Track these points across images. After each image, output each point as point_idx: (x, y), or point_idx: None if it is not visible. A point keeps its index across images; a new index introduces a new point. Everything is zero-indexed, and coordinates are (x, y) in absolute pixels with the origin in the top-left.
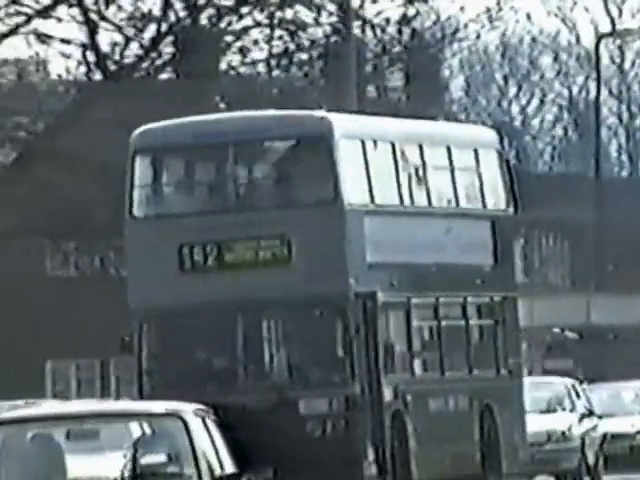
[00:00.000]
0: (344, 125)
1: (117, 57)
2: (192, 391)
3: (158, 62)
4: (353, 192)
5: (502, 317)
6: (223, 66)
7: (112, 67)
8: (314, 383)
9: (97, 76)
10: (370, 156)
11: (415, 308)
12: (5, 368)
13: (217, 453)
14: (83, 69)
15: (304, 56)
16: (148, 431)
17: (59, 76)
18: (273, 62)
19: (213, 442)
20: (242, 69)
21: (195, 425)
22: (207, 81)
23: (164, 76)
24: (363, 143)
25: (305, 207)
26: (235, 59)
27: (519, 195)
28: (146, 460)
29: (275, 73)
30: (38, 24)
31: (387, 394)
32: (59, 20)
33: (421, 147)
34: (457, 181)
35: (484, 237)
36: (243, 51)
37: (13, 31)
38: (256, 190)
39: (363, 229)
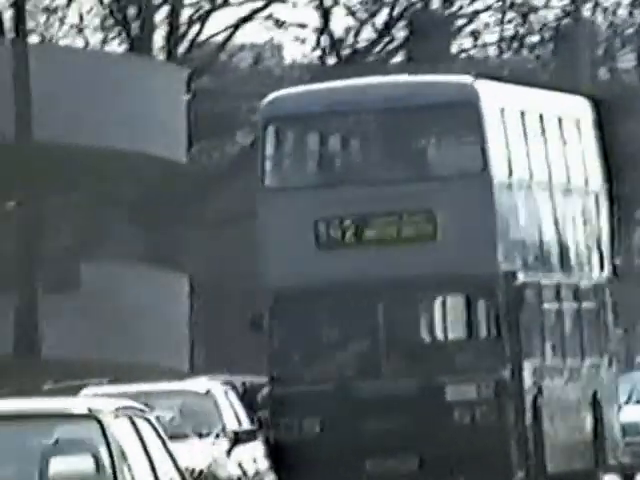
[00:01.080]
0: (491, 92)
1: (350, 41)
2: (329, 376)
3: (390, 46)
4: (501, 163)
5: (604, 301)
6: (454, 49)
7: (345, 51)
8: (462, 368)
9: (331, 60)
10: (517, 126)
11: (545, 290)
12: None
13: (149, 458)
14: (317, 53)
15: (535, 38)
16: (60, 435)
17: (293, 61)
18: (504, 45)
19: (144, 445)
20: (473, 52)
21: (116, 427)
22: (438, 64)
23: (396, 60)
24: (511, 112)
25: (451, 179)
26: (466, 42)
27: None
28: (56, 470)
29: (506, 56)
30: (274, 9)
31: (527, 380)
32: (294, 5)
33: (560, 120)
34: (585, 156)
35: (593, 216)
36: (474, 34)
37: (250, 17)
38: (397, 161)
39: (508, 202)
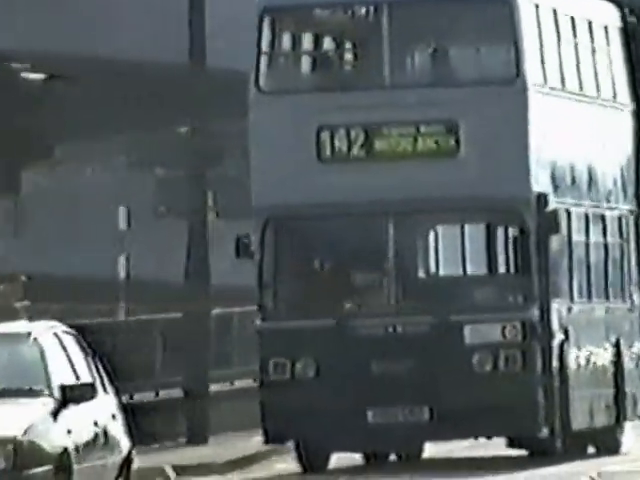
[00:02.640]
0: None
1: None
2: (328, 310)
3: None
4: (535, 69)
5: (628, 235)
6: None
7: None
8: (483, 305)
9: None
10: (550, 27)
11: (574, 218)
12: None
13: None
14: None
15: None
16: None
17: None
18: None
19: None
20: None
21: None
22: None
23: None
24: (544, 10)
25: (478, 86)
26: None
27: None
28: None
29: None
30: None
31: (555, 323)
32: None
33: (590, 25)
34: (613, 68)
35: (615, 134)
36: None
37: None
38: (416, 62)
39: (543, 116)
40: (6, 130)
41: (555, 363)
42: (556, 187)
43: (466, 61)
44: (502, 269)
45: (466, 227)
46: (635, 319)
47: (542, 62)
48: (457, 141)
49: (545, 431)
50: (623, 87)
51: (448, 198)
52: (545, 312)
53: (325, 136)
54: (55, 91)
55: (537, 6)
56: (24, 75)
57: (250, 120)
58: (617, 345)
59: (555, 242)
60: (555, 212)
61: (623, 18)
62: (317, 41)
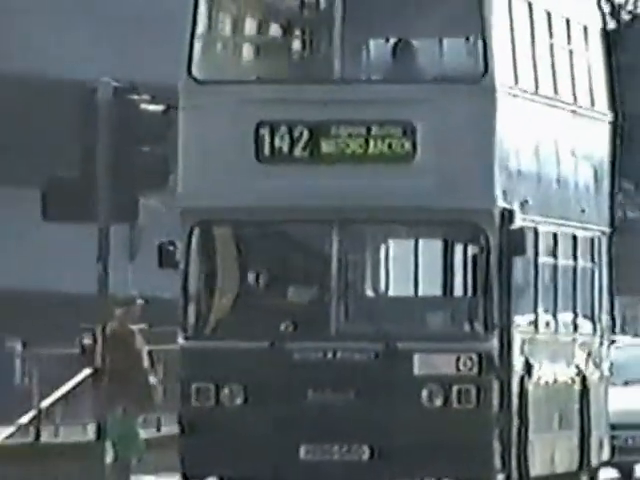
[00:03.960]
0: None
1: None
2: (260, 329)
3: None
4: (505, 68)
5: (599, 258)
6: None
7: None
8: (436, 332)
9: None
10: (524, 22)
11: (543, 239)
12: None
13: None
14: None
15: None
16: None
17: None
18: None
19: None
20: None
21: None
22: None
23: None
24: (523, 4)
25: (439, 83)
26: None
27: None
28: None
29: None
30: None
31: (516, 355)
32: None
33: (568, 23)
34: (592, 73)
35: (591, 147)
36: None
37: None
38: (371, 55)
39: (510, 121)
40: (128, 160)
41: (514, 400)
42: (524, 202)
43: (427, 55)
44: (459, 292)
45: (420, 242)
46: (605, 350)
47: (514, 60)
48: (414, 145)
49: (500, 478)
50: (602, 95)
51: (401, 208)
52: (505, 343)
53: (265, 133)
54: (173, 121)
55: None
56: (144, 107)
57: (180, 111)
58: (583, 381)
59: (520, 264)
60: (522, 230)
61: (604, 19)
62: (261, 26)
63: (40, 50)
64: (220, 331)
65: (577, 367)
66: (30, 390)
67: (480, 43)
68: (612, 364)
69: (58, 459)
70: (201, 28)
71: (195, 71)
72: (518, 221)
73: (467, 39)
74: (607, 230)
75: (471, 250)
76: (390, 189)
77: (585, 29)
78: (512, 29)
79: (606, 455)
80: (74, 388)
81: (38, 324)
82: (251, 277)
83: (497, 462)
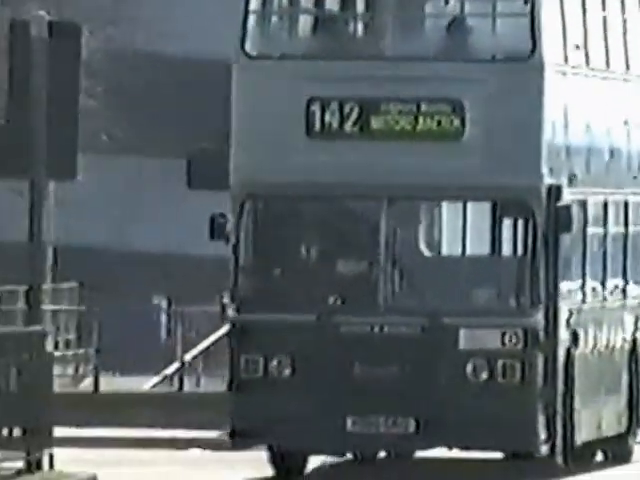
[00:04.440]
0: None
1: None
2: (309, 303)
3: None
4: (555, 45)
5: None
6: None
7: None
8: (482, 308)
9: None
10: (567, 3)
11: (591, 209)
12: None
13: None
14: None
15: None
16: None
17: None
18: None
19: None
20: None
21: None
22: None
23: None
24: None
25: (488, 62)
26: None
27: None
28: None
29: None
30: None
31: (562, 328)
32: None
33: None
34: (628, 34)
35: None
36: None
37: None
38: (421, 32)
39: (558, 98)
40: None
41: (560, 373)
42: (572, 176)
43: (477, 33)
44: (506, 267)
45: (469, 219)
46: None
47: (564, 37)
48: (462, 122)
49: (544, 449)
50: None
51: (449, 185)
52: (551, 318)
53: (316, 109)
54: None
55: None
56: None
57: (233, 86)
58: (633, 344)
59: (567, 237)
60: (569, 207)
61: None
62: (314, 2)
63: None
64: (269, 304)
65: (626, 331)
66: (174, 344)
67: (529, 21)
68: None
69: (199, 407)
70: (255, 3)
71: (248, 47)
72: (566, 197)
73: (516, 17)
74: None
75: (518, 226)
76: (438, 167)
77: None
78: (562, 6)
79: None
80: (214, 343)
81: (182, 284)
82: (300, 251)
83: (541, 434)
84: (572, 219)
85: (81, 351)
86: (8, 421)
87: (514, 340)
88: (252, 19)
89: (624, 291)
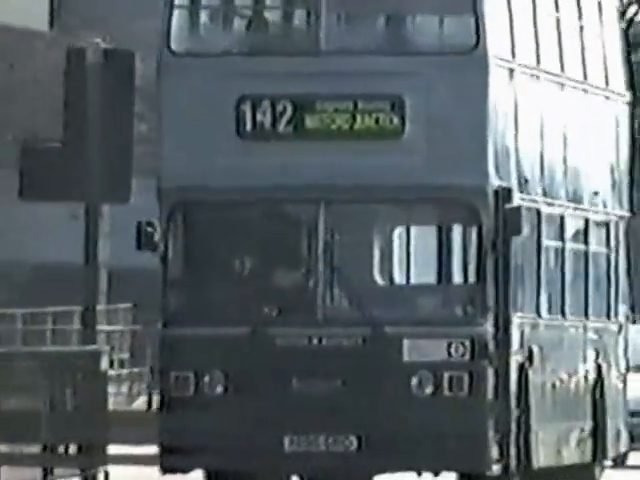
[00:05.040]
0: None
1: None
2: (243, 315)
3: None
4: (501, 40)
5: (616, 244)
6: None
7: None
8: (427, 317)
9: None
10: None
11: (546, 221)
12: None
13: None
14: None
15: None
16: None
17: None
18: None
19: None
20: None
21: None
22: None
23: None
24: None
25: (429, 55)
26: None
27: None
28: None
29: None
30: None
31: (515, 340)
32: None
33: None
34: (606, 50)
35: (606, 127)
36: None
37: None
38: (357, 26)
39: (506, 94)
40: None
41: (513, 388)
42: (523, 181)
43: (417, 27)
44: (452, 274)
45: (411, 222)
46: (622, 340)
47: (511, 33)
48: (402, 120)
49: (495, 469)
50: (618, 74)
51: (389, 187)
52: (502, 327)
53: (247, 108)
54: None
55: None
56: None
57: (159, 86)
58: (598, 369)
59: (519, 245)
60: (518, 209)
61: None
62: None
63: None
64: (200, 317)
65: (589, 354)
66: None
67: (472, 14)
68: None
69: None
70: None
71: (174, 44)
72: (516, 200)
73: (458, 8)
74: (625, 215)
75: (464, 230)
76: (378, 166)
77: (599, 5)
78: (509, 1)
79: (624, 446)
80: None
81: None
82: (232, 260)
83: (492, 452)
84: (522, 222)
85: (135, 370)
86: (64, 438)
87: (461, 350)
88: (177, 14)
89: (586, 311)
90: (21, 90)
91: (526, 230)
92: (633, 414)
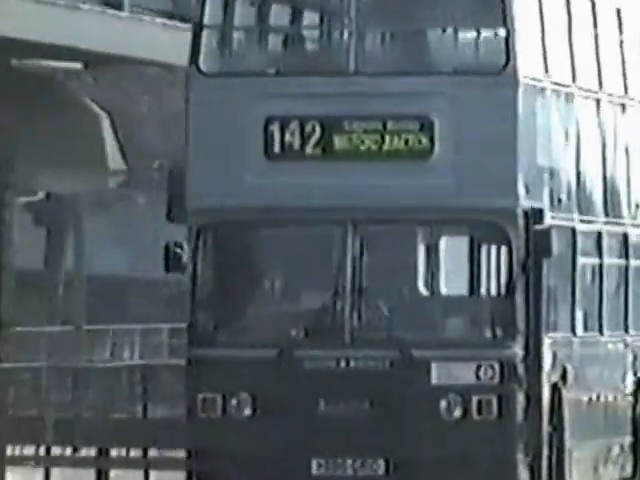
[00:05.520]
0: None
1: None
2: (270, 337)
3: None
4: (532, 60)
5: None
6: None
7: None
8: (455, 339)
9: None
10: (560, 13)
11: (580, 238)
12: None
13: None
14: None
15: None
16: None
17: None
18: None
19: None
20: None
21: None
22: None
23: None
24: None
25: (458, 75)
26: None
27: None
28: None
29: None
30: None
31: (547, 361)
32: None
33: (594, 5)
34: (625, 59)
35: None
36: None
37: None
38: (387, 47)
39: (536, 114)
40: None
41: (546, 408)
42: (557, 201)
43: (446, 47)
44: (481, 295)
45: (439, 243)
46: None
47: (544, 51)
48: (431, 140)
49: None
50: None
51: (418, 208)
52: (533, 349)
53: (275, 129)
54: None
55: None
56: None
57: (188, 107)
58: (638, 384)
59: (553, 264)
60: (548, 231)
61: None
62: (271, 17)
63: None
64: (228, 339)
65: (629, 370)
66: None
67: (502, 33)
68: None
69: None
70: (208, 19)
71: (202, 64)
72: (547, 220)
73: (488, 29)
74: None
75: (494, 251)
76: (407, 188)
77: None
78: (542, 19)
79: None
80: None
81: None
82: (260, 282)
83: (522, 476)
84: (551, 243)
85: None
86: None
87: (490, 373)
88: (206, 34)
89: (626, 328)
90: (167, 120)
91: (557, 251)
92: None
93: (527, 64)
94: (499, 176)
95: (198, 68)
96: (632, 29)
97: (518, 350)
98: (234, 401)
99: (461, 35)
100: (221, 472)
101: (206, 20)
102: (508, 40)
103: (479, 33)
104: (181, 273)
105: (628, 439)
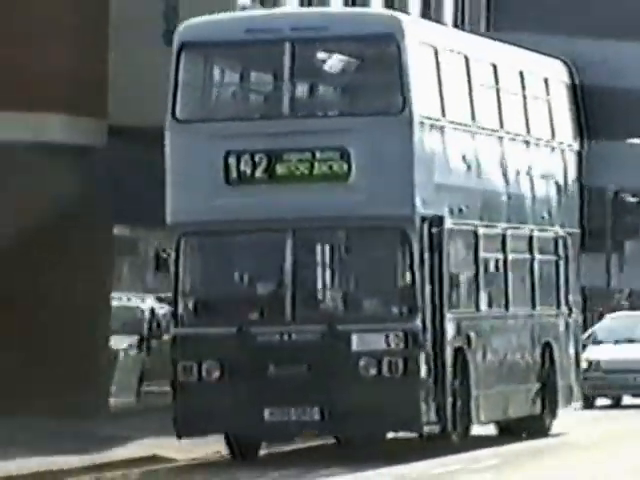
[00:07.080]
0: (416, 27)
1: None
2: (232, 317)
3: None
4: (423, 103)
5: (565, 253)
6: None
7: None
8: (370, 316)
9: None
10: (443, 66)
11: (483, 238)
12: None
13: None
14: None
15: None
16: None
17: None
18: None
19: None
20: None
21: None
22: None
23: None
24: (436, 50)
25: (368, 116)
26: None
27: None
28: None
29: None
30: None
31: (450, 330)
32: None
33: (495, 67)
34: (528, 108)
35: (552, 169)
36: None
37: None
38: (313, 95)
39: (432, 145)
40: None
41: (449, 366)
42: (457, 210)
43: (360, 94)
44: (389, 283)
45: (357, 243)
46: (573, 321)
47: (440, 97)
48: (349, 166)
49: (430, 429)
50: (566, 130)
51: (340, 217)
52: (436, 321)
53: (232, 160)
54: None
55: (436, 50)
56: None
57: (166, 146)
58: (546, 344)
59: (457, 259)
60: (440, 232)
61: (571, 75)
62: (228, 74)
63: None
64: (201, 320)
65: (537, 334)
66: None
67: (399, 83)
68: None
69: None
70: (181, 79)
71: (177, 113)
72: (447, 225)
73: (389, 80)
74: (575, 231)
75: (397, 248)
76: (331, 203)
77: (546, 81)
78: (439, 72)
79: (577, 397)
80: None
81: None
82: (225, 276)
83: (427, 417)
84: (442, 241)
85: None
86: None
87: (396, 341)
88: (180, 91)
89: (533, 305)
90: None
91: (458, 248)
92: (607, 372)
93: (425, 107)
94: (400, 192)
95: (174, 116)
96: (533, 86)
97: (419, 323)
98: (206, 367)
99: (370, 84)
100: (199, 421)
101: (180, 78)
102: (403, 89)
103: (384, 83)
104: (167, 272)
105: (537, 385)
